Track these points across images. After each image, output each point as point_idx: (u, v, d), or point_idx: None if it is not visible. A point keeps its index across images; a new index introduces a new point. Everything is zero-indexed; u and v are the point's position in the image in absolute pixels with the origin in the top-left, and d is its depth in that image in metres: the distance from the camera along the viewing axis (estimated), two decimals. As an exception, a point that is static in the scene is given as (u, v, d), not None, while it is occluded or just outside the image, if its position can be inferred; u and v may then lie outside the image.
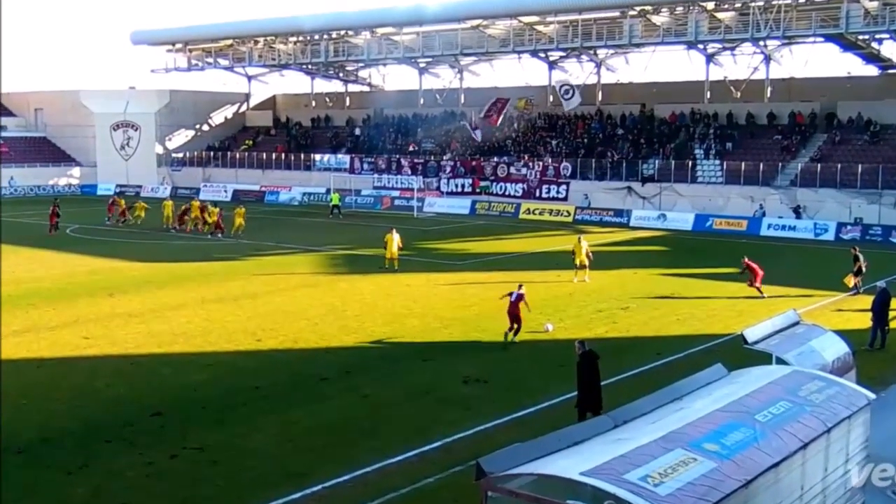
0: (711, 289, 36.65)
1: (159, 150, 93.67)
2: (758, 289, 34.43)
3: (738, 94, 71.13)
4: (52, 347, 26.56)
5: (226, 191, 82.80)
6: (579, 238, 39.72)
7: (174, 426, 19.80)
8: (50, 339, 27.58)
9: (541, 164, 70.38)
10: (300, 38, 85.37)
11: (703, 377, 14.53)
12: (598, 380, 19.14)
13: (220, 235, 53.66)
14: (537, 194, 69.40)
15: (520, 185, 70.43)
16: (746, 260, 35.40)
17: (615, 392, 19.86)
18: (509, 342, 26.99)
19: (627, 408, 13.14)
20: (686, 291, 36.01)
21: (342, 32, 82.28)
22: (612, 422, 12.62)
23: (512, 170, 71.55)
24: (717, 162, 64.50)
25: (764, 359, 16.16)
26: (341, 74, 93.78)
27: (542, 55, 77.87)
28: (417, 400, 21.86)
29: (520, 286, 27.90)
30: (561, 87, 73.30)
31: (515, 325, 27.13)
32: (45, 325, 29.57)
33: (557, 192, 68.59)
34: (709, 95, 72.18)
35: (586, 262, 38.12)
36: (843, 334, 19.30)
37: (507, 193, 70.76)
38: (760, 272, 34.76)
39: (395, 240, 41.09)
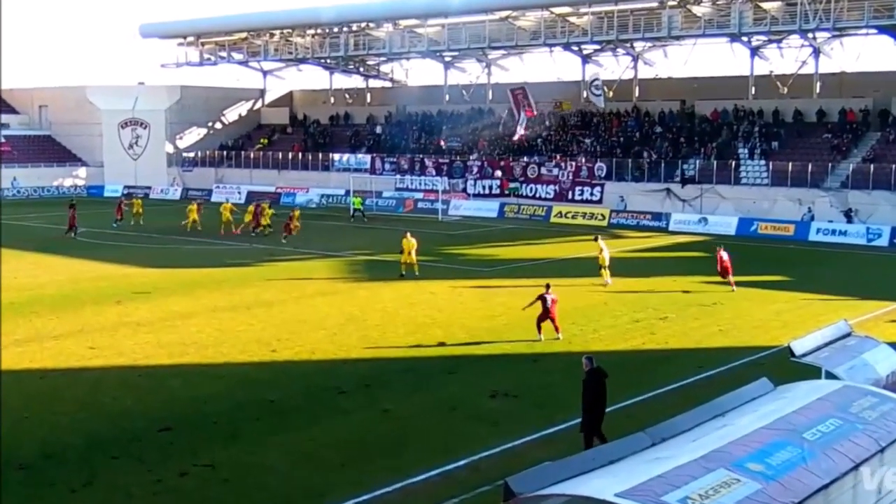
0: (756, 297, 36.46)
1: (169, 149, 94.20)
2: (729, 282, 37.24)
3: (785, 89, 70.72)
4: (55, 358, 26.74)
5: (239, 192, 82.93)
6: (597, 238, 40.73)
7: (184, 442, 19.88)
8: (54, 349, 27.77)
9: (574, 164, 70.21)
10: (318, 31, 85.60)
11: (747, 392, 14.44)
12: (605, 401, 18.89)
13: (282, 239, 53.28)
14: (570, 196, 69.20)
15: (551, 186, 70.28)
16: (720, 251, 37.74)
17: (653, 408, 19.81)
18: (538, 354, 27.21)
19: (666, 424, 13.07)
20: (729, 300, 35.81)
21: (363, 25, 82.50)
22: (649, 439, 12.56)
23: (543, 170, 71.41)
24: (763, 162, 64.13)
25: (813, 373, 16.06)
26: (362, 69, 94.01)
27: (576, 48, 77.77)
28: (442, 415, 21.84)
29: (547, 286, 28.68)
30: (592, 82, 73.19)
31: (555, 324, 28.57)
32: (49, 334, 29.77)
33: (591, 194, 68.40)
34: (753, 91, 71.81)
35: (605, 264, 39.09)
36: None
37: (537, 195, 70.63)
38: (728, 266, 37.33)
39: (412, 244, 41.20)
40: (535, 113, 74.28)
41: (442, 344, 28.52)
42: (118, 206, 63.80)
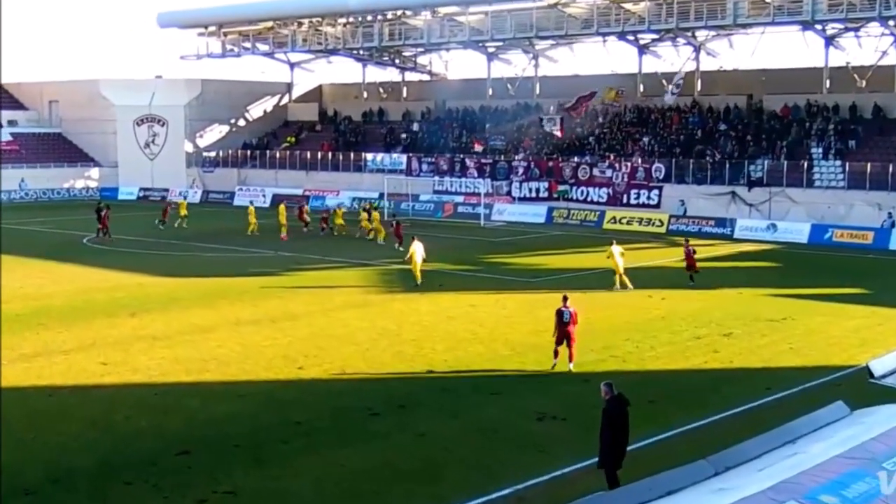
0: (831, 312, 36.17)
1: (189, 148, 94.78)
2: (691, 276, 40.98)
3: (864, 82, 70.16)
4: (65, 374, 26.97)
5: (264, 195, 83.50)
6: (612, 242, 41.61)
7: (203, 466, 19.97)
8: (63, 364, 28.01)
9: (629, 164, 70.01)
10: (350, 20, 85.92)
11: (820, 417, 14.31)
12: (627, 431, 18.44)
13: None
14: (624, 200, 69.05)
15: (604, 189, 70.12)
16: (687, 245, 42.01)
17: (717, 433, 19.70)
18: (569, 372, 27.03)
19: (731, 452, 12.98)
20: (800, 315, 35.54)
21: (398, 12, 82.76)
22: (712, 468, 12.48)
23: (595, 171, 71.25)
24: (838, 163, 63.63)
25: (894, 396, 15.87)
26: (397, 61, 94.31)
27: (631, 38, 77.57)
28: (483, 439, 21.80)
29: (565, 298, 27.79)
30: (673, 79, 72.80)
31: (571, 351, 27.21)
32: (58, 348, 30.04)
33: (648, 197, 68.20)
34: (828, 85, 71.31)
35: (618, 269, 39.98)
36: None
37: (589, 199, 70.48)
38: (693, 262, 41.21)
39: (419, 251, 41.51)
40: (582, 116, 74.40)
41: (483, 367, 28.49)
42: (165, 210, 64.85)
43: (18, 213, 73.45)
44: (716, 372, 27.45)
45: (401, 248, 51.64)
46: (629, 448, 18.15)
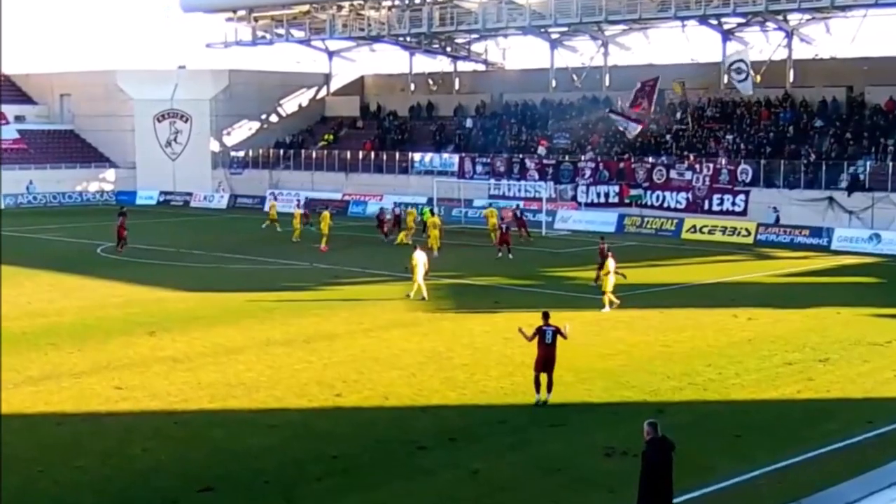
0: (943, 335, 35.83)
1: (215, 147, 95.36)
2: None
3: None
4: (76, 400, 27.17)
5: (299, 200, 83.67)
6: (609, 255, 41.42)
7: (228, 505, 20.07)
8: (74, 388, 28.23)
9: (711, 166, 69.70)
10: (396, 3, 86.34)
11: (930, 456, 14.19)
12: (671, 480, 18.30)
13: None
14: (706, 207, 68.76)
15: (683, 194, 69.88)
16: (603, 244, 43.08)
17: (812, 472, 19.52)
18: (542, 403, 26.78)
19: (828, 494, 12.91)
20: (908, 339, 35.27)
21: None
22: (805, 514, 12.40)
23: (673, 174, 71.02)
24: (952, 164, 63.18)
25: None
26: (449, 49, 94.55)
27: (714, 22, 77.31)
28: (544, 478, 21.72)
29: (545, 315, 27.37)
30: (732, 64, 72.49)
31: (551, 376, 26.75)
32: (69, 370, 30.27)
33: (733, 203, 67.88)
34: (942, 75, 70.80)
35: (607, 288, 39.77)
36: None
37: (665, 205, 70.33)
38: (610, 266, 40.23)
39: (420, 261, 41.66)
40: (651, 111, 74.03)
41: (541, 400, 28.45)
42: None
43: (25, 218, 74.24)
44: (810, 403, 27.23)
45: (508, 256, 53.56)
46: (676, 501, 17.86)
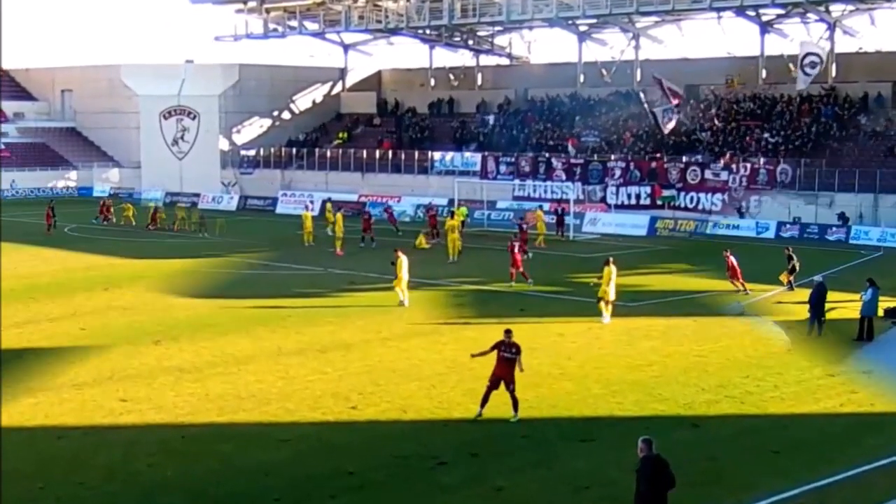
0: None
1: (224, 145, 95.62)
2: (742, 284, 43.66)
3: None
4: (78, 412, 27.19)
5: (312, 201, 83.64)
6: (609, 261, 40.13)
7: (238, 524, 20.11)
8: (75, 400, 28.25)
9: (748, 165, 69.60)
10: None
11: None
12: (665, 500, 18.36)
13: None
14: (743, 209, 68.68)
15: (718, 195, 69.80)
16: (727, 254, 42.79)
17: (854, 491, 19.44)
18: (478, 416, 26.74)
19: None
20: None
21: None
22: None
23: (708, 174, 70.95)
24: None
25: None
26: (471, 42, 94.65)
27: (752, 14, 77.27)
28: (572, 496, 21.73)
29: (507, 332, 27.14)
30: (805, 56, 71.86)
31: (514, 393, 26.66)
32: (70, 381, 30.30)
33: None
34: None
35: (608, 297, 38.92)
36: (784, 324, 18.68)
37: (700, 207, 70.27)
38: (738, 269, 43.96)
39: (404, 265, 41.99)
40: (681, 99, 73.79)
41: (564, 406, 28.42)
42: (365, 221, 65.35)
43: (9, 209, 74.53)
44: (853, 417, 27.12)
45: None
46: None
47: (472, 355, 27.85)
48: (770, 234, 67.38)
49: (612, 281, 39.29)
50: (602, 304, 39.31)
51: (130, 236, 67.71)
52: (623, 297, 44.82)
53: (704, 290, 47.23)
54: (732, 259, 45.65)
